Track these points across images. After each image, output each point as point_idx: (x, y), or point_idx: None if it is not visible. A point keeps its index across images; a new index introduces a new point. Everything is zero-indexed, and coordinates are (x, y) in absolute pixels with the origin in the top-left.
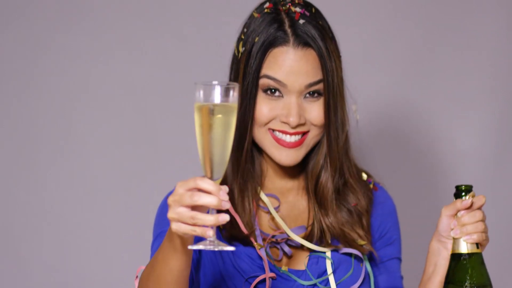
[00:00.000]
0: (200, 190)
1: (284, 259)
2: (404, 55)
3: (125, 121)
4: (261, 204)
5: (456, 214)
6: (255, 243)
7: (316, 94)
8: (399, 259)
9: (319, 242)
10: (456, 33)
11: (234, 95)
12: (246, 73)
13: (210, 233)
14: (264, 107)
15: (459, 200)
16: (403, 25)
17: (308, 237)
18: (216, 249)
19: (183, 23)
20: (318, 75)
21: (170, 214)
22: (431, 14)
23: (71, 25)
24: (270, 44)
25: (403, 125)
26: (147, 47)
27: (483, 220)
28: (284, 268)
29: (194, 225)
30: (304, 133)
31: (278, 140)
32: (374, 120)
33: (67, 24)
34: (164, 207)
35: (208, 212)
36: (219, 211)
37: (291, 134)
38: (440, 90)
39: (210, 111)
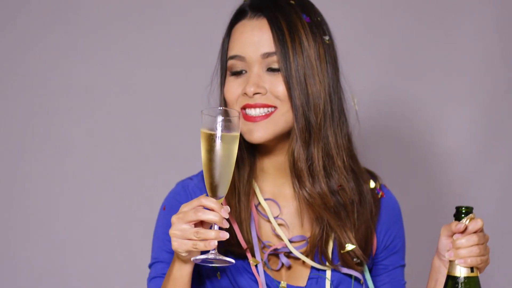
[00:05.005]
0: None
1: (284, 270)
2: (390, 54)
3: (116, 122)
4: (261, 210)
5: (452, 236)
6: (250, 260)
7: (278, 70)
8: (403, 265)
9: (320, 257)
10: (443, 32)
11: (236, 122)
12: (219, 61)
13: (213, 244)
14: (230, 87)
15: (454, 223)
16: (390, 25)
17: (309, 249)
18: (217, 258)
19: (172, 23)
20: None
21: (173, 231)
22: (418, 14)
23: (61, 25)
24: (232, 24)
25: (390, 122)
26: (140, 48)
27: (479, 244)
28: (283, 284)
29: (196, 239)
30: (273, 108)
31: (246, 117)
32: (362, 119)
33: (58, 25)
34: (162, 225)
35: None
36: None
37: (255, 107)
38: (427, 88)
39: (214, 138)
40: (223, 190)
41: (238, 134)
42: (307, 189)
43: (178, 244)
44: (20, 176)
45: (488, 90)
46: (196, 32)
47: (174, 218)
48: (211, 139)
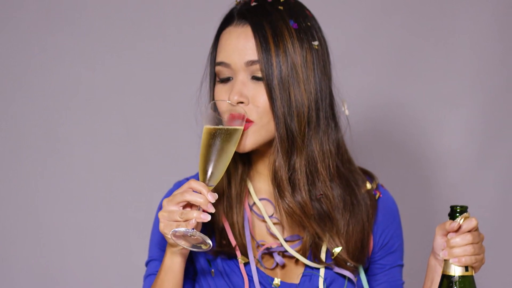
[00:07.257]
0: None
1: (278, 268)
2: (387, 56)
3: (116, 122)
4: (256, 210)
5: (447, 235)
6: (239, 258)
7: (262, 79)
8: (401, 265)
9: (313, 256)
10: (440, 33)
11: (238, 119)
12: (208, 65)
13: (192, 224)
14: (219, 94)
15: (449, 222)
16: (387, 26)
17: (303, 248)
18: (195, 236)
19: (172, 23)
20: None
21: (161, 213)
22: (415, 15)
23: (60, 25)
24: (220, 30)
25: (387, 124)
26: (140, 48)
27: (473, 243)
28: (276, 281)
29: (181, 220)
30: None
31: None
32: (359, 120)
33: (58, 25)
34: (158, 224)
35: None
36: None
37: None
38: (424, 90)
39: (214, 131)
40: (215, 179)
41: (242, 128)
42: (286, 200)
43: (165, 226)
44: (20, 176)
45: (487, 90)
46: (196, 32)
47: (164, 201)
48: (212, 131)
